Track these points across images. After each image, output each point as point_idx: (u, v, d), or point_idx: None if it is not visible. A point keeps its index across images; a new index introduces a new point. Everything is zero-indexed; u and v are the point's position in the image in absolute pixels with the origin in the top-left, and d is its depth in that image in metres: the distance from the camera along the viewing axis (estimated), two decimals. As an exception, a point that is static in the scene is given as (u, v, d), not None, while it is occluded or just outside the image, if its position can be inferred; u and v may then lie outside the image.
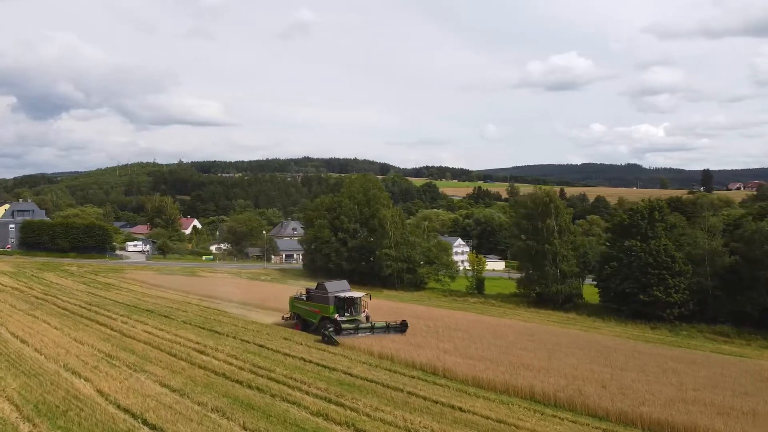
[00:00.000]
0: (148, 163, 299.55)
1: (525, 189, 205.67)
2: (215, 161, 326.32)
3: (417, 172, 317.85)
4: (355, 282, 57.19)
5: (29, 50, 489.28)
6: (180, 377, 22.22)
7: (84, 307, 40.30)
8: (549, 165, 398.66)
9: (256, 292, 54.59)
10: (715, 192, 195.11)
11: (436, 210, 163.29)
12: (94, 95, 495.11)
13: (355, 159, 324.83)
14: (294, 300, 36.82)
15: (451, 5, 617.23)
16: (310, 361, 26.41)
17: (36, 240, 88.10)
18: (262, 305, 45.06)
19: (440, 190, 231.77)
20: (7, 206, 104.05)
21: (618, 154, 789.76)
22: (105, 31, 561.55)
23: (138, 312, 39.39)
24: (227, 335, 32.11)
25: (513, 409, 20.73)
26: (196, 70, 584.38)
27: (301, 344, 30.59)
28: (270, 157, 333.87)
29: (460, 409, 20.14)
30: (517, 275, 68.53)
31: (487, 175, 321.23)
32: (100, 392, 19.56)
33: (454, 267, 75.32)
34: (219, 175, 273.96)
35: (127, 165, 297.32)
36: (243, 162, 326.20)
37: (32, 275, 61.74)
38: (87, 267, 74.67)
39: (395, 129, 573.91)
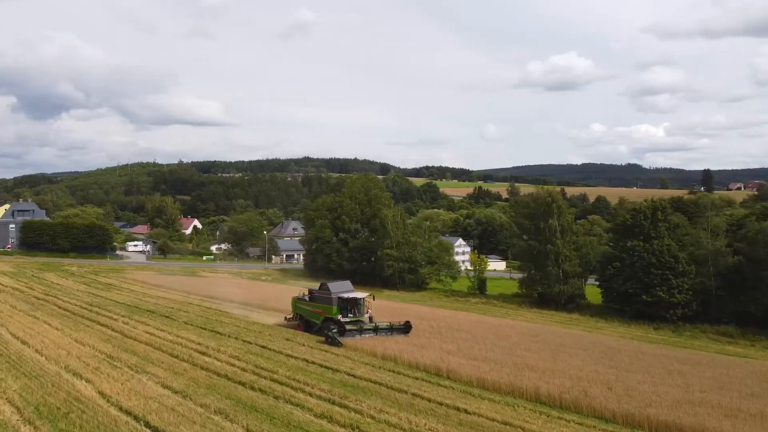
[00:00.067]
0: (148, 163, 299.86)
1: (525, 189, 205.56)
2: (215, 161, 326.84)
3: (417, 172, 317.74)
4: (357, 282, 56.80)
5: (29, 50, 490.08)
6: (182, 379, 22.00)
7: (85, 308, 40.09)
8: (549, 165, 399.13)
9: (257, 293, 54.39)
10: (715, 192, 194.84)
11: (436, 210, 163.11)
12: (94, 95, 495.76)
13: (355, 159, 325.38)
14: (297, 301, 36.58)
15: (451, 5, 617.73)
16: (313, 362, 26.19)
17: (36, 240, 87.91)
18: (264, 306, 44.85)
19: (440, 190, 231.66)
20: (7, 206, 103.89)
21: (618, 154, 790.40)
22: (105, 31, 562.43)
23: (139, 312, 39.17)
24: (229, 336, 31.89)
25: (518, 411, 20.51)
26: (196, 70, 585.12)
27: (304, 345, 30.38)
28: (270, 157, 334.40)
29: (465, 411, 19.93)
30: (519, 275, 68.35)
31: (488, 175, 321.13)
32: (101, 394, 19.34)
33: (455, 267, 75.16)
34: (219, 175, 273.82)
35: (127, 165, 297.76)
36: (243, 162, 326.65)
37: (33, 275, 61.52)
38: (87, 267, 74.47)
39: (395, 129, 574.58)
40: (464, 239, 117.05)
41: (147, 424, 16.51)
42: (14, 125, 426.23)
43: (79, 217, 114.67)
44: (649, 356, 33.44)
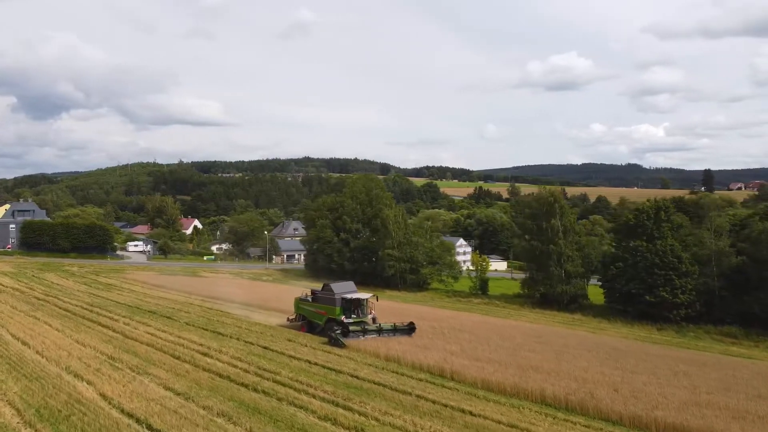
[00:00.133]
0: (148, 163, 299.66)
1: (526, 189, 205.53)
2: (215, 161, 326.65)
3: (417, 172, 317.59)
4: (358, 282, 56.05)
5: (29, 50, 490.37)
6: (184, 380, 21.77)
7: (85, 308, 39.86)
8: (549, 165, 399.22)
9: (258, 293, 54.17)
10: (716, 192, 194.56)
11: (437, 210, 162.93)
12: (94, 95, 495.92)
13: (356, 159, 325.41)
14: (299, 301, 36.32)
15: (451, 5, 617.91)
16: (316, 364, 25.96)
17: (36, 240, 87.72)
18: (265, 306, 44.63)
19: (441, 190, 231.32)
20: (7, 206, 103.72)
21: (618, 154, 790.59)
22: (105, 31, 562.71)
23: (140, 313, 38.95)
24: (231, 337, 31.65)
25: (524, 413, 20.29)
26: (196, 70, 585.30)
27: (306, 346, 30.15)
28: (270, 157, 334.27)
29: (471, 413, 19.69)
30: (520, 275, 68.16)
31: (488, 175, 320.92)
32: (103, 396, 19.11)
33: (457, 267, 74.92)
34: (219, 175, 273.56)
35: (127, 165, 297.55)
36: (243, 162, 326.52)
37: (33, 276, 61.33)
38: (88, 267, 74.28)
39: (395, 129, 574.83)
40: (465, 239, 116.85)
41: (149, 427, 16.28)
42: (14, 125, 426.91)
43: (79, 218, 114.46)
44: (654, 357, 33.24)
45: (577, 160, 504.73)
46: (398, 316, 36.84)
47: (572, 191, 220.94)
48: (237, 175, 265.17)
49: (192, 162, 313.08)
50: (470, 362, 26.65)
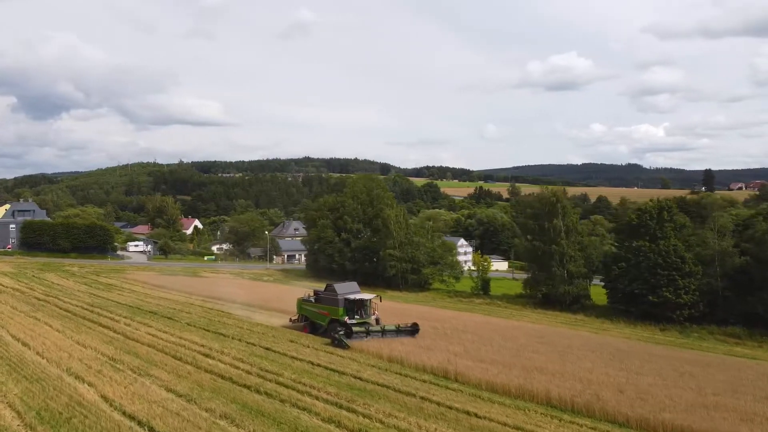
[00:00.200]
0: (148, 163, 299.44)
1: (526, 189, 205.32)
2: (215, 161, 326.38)
3: (417, 172, 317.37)
4: (359, 283, 55.53)
5: (29, 50, 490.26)
6: (186, 382, 21.56)
7: (86, 309, 39.67)
8: (549, 165, 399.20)
9: (259, 293, 53.96)
10: (717, 192, 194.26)
11: (437, 210, 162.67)
12: (94, 95, 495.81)
13: (356, 159, 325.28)
14: (302, 302, 36.10)
15: (451, 5, 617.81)
16: (319, 365, 25.75)
17: (37, 240, 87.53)
18: (266, 306, 44.43)
19: (441, 190, 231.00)
20: (7, 206, 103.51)
21: (618, 154, 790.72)
22: (105, 31, 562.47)
23: (141, 314, 38.75)
24: (232, 338, 31.45)
25: (530, 415, 20.09)
26: (196, 70, 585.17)
27: (308, 347, 29.94)
28: (270, 157, 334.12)
29: (476, 415, 19.48)
30: (521, 275, 67.93)
31: (488, 175, 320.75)
32: (104, 398, 18.90)
33: (458, 267, 74.67)
34: (219, 175, 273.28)
35: (127, 165, 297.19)
36: (243, 162, 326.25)
37: (33, 276, 61.14)
38: (88, 267, 74.09)
39: (395, 129, 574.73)
40: (466, 239, 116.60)
41: (151, 430, 16.08)
42: (14, 125, 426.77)
43: (79, 218, 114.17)
44: (658, 358, 33.02)
45: (577, 160, 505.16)
46: (400, 317, 36.63)
47: (572, 191, 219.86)
48: (237, 175, 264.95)
49: (192, 162, 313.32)
50: (474, 363, 26.44)
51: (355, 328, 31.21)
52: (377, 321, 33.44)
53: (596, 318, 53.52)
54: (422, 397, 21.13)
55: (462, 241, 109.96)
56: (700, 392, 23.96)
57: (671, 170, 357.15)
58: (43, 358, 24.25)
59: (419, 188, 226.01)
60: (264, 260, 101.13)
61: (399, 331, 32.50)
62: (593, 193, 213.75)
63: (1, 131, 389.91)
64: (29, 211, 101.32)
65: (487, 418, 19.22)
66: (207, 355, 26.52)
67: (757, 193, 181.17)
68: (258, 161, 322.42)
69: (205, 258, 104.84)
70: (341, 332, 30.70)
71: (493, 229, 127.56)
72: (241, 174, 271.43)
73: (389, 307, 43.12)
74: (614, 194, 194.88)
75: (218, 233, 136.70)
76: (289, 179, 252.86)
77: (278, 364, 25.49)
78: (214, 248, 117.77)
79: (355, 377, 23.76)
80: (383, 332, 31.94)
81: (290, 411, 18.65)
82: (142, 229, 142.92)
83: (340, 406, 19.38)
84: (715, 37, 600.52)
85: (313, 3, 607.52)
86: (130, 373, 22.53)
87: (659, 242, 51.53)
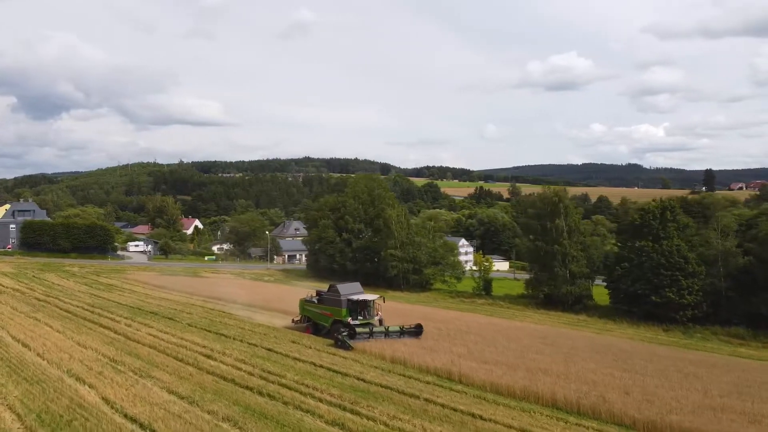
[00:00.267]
0: (148, 163, 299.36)
1: (526, 189, 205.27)
2: (215, 161, 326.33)
3: (417, 172, 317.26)
4: (360, 283, 56.31)
5: (29, 50, 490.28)
6: (188, 384, 21.34)
7: (87, 309, 39.46)
8: (549, 165, 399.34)
9: (260, 294, 53.72)
10: (718, 192, 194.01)
11: (438, 210, 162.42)
12: (94, 95, 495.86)
13: (356, 159, 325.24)
14: (304, 302, 35.85)
15: (451, 5, 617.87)
16: (321, 366, 25.53)
17: (37, 240, 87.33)
18: (268, 307, 44.19)
19: (441, 190, 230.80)
20: (7, 206, 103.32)
21: (618, 154, 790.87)
22: (104, 31, 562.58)
23: (142, 314, 38.54)
24: (234, 338, 31.23)
25: (535, 417, 19.86)
26: (196, 70, 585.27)
27: (311, 348, 29.72)
28: (270, 157, 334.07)
29: (481, 417, 19.26)
30: (523, 276, 67.68)
31: (488, 175, 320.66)
32: (105, 400, 18.69)
33: (460, 268, 74.43)
34: (219, 175, 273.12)
35: (127, 165, 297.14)
36: (243, 162, 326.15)
37: (33, 276, 60.93)
38: (88, 268, 73.89)
39: (395, 129, 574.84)
40: (466, 239, 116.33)
41: (153, 433, 15.88)
42: (14, 125, 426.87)
43: (79, 218, 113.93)
44: (662, 359, 32.79)
45: (577, 160, 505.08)
46: (402, 317, 36.40)
47: (573, 191, 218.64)
48: (237, 175, 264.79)
49: (192, 162, 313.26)
50: (478, 365, 26.21)
51: (358, 329, 30.97)
52: (381, 322, 33.19)
53: (599, 318, 53.30)
54: (426, 399, 20.92)
55: (463, 242, 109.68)
56: (707, 394, 23.72)
57: (671, 170, 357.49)
58: (43, 360, 24.04)
59: (419, 188, 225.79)
60: (265, 260, 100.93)
61: (403, 332, 32.27)
62: (593, 193, 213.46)
63: (1, 131, 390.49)
64: (29, 211, 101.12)
65: (492, 420, 19.01)
66: (209, 357, 26.31)
67: (758, 193, 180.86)
68: (258, 161, 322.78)
69: (206, 258, 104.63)
70: (344, 333, 30.47)
71: (494, 229, 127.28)
72: (241, 174, 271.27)
73: (391, 308, 42.77)
74: (614, 194, 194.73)
75: (219, 233, 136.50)
76: (290, 179, 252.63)
77: (281, 366, 25.27)
78: (215, 248, 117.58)
79: (358, 379, 23.54)
80: (387, 333, 31.71)
81: (293, 413, 18.45)
82: (143, 229, 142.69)
83: (344, 408, 19.17)
84: (715, 37, 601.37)
85: (313, 3, 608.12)
86: (132, 374, 22.31)
87: (662, 242, 51.29)
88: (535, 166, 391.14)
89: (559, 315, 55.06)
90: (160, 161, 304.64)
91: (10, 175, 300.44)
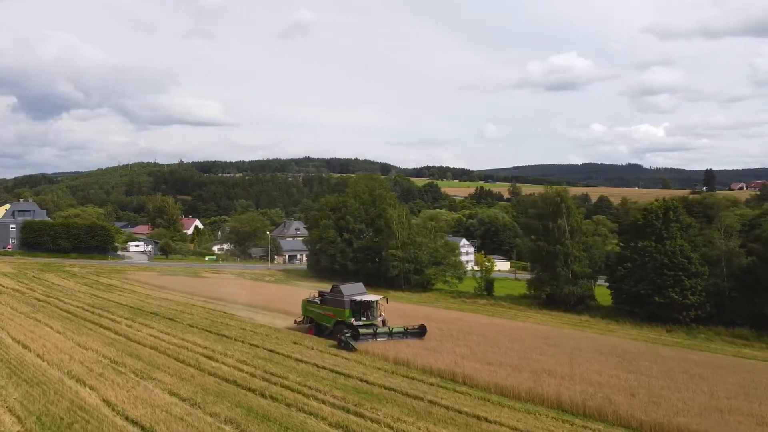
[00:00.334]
0: (148, 163, 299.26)
1: (526, 189, 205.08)
2: (215, 161, 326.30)
3: (418, 172, 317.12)
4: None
5: (29, 50, 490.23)
6: (189, 385, 21.11)
7: (87, 310, 39.23)
8: (549, 165, 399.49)
9: (261, 294, 53.52)
10: (719, 192, 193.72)
11: (438, 210, 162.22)
12: (94, 95, 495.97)
13: (356, 159, 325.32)
14: (307, 303, 35.58)
15: (451, 5, 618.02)
16: (324, 367, 25.30)
17: (37, 240, 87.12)
18: (269, 307, 43.97)
19: (441, 190, 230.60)
20: (7, 206, 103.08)
21: (618, 154, 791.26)
22: (104, 31, 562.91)
23: (142, 315, 38.31)
24: (235, 339, 31.01)
25: (541, 419, 19.63)
26: (196, 70, 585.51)
27: (313, 349, 29.49)
28: (270, 157, 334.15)
29: (486, 419, 19.03)
30: (524, 276, 67.44)
31: (488, 175, 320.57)
32: (106, 402, 18.46)
33: (461, 268, 74.20)
34: (219, 175, 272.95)
35: (127, 165, 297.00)
36: (243, 162, 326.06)
37: (33, 276, 60.71)
38: (89, 268, 73.67)
39: (395, 129, 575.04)
40: (467, 239, 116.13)
41: (155, 436, 15.65)
42: (14, 125, 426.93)
43: (79, 218, 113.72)
44: (668, 360, 32.57)
45: (578, 160, 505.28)
46: (404, 318, 36.18)
47: (573, 191, 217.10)
48: (237, 175, 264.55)
49: (192, 162, 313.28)
50: (482, 366, 25.98)
51: (362, 330, 30.70)
52: (384, 323, 32.95)
53: (601, 319, 53.07)
54: (430, 401, 20.69)
55: (464, 242, 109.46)
56: (713, 395, 23.49)
57: (671, 170, 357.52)
58: (43, 361, 23.81)
59: (420, 188, 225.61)
60: (265, 260, 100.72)
61: (406, 333, 32.03)
62: (594, 193, 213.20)
63: (1, 131, 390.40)
64: (29, 211, 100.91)
65: (497, 422, 18.79)
66: (210, 358, 26.08)
67: (758, 193, 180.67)
68: (258, 161, 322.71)
69: (206, 258, 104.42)
70: (348, 334, 30.21)
71: (495, 229, 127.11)
72: (241, 174, 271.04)
73: (392, 308, 42.36)
74: (615, 194, 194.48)
75: (219, 233, 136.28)
76: (290, 179, 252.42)
77: (283, 367, 25.04)
78: (215, 248, 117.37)
79: (361, 380, 23.31)
80: (391, 334, 31.47)
81: (296, 415, 18.23)
82: (143, 229, 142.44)
83: (348, 411, 18.95)
84: (715, 37, 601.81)
85: (313, 3, 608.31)
86: (133, 376, 22.09)
87: (665, 242, 51.08)
88: (535, 166, 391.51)
89: (562, 315, 54.84)
90: (160, 161, 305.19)
91: (10, 175, 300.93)
